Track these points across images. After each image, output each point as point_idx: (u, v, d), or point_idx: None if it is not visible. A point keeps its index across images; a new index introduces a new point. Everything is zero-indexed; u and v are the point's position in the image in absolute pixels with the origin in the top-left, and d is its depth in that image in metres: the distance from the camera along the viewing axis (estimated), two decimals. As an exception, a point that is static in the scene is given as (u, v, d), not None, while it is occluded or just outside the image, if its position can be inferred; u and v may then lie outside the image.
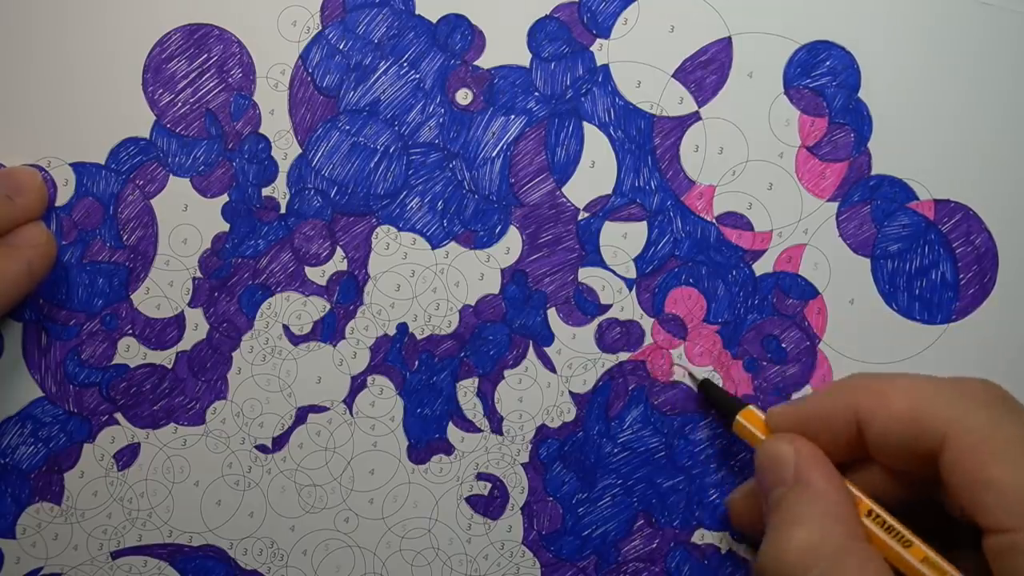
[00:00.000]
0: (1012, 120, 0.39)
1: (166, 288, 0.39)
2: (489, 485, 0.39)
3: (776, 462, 0.33)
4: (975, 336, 0.39)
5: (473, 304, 0.39)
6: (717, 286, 0.39)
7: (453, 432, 0.39)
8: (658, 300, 0.39)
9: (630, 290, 0.39)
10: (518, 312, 0.39)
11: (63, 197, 0.38)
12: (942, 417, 0.31)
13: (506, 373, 0.39)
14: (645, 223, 0.39)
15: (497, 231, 0.39)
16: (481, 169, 0.39)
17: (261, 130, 0.38)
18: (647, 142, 0.39)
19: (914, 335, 0.39)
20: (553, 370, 0.39)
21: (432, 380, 0.39)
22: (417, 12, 0.38)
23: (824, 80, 0.39)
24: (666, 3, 0.39)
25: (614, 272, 0.39)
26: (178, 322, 0.39)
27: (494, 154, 0.39)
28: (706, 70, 0.39)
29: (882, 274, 0.39)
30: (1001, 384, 0.32)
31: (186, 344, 0.39)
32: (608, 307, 0.39)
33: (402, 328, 0.39)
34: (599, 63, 0.39)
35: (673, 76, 0.39)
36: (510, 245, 0.39)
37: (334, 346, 0.39)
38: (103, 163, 0.38)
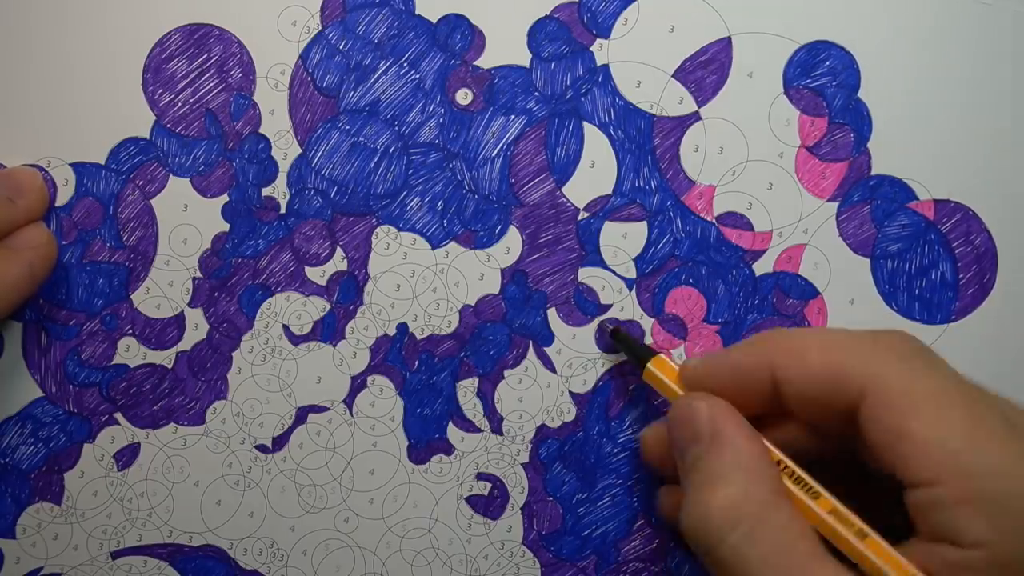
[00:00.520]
0: (1012, 120, 0.39)
1: (166, 288, 0.39)
2: (489, 485, 0.39)
3: (691, 419, 0.32)
4: (975, 336, 0.39)
5: (473, 304, 0.39)
6: (717, 286, 0.39)
7: (453, 432, 0.39)
8: (658, 300, 0.39)
9: (630, 290, 0.39)
10: (518, 312, 0.39)
11: (63, 197, 0.38)
12: (860, 372, 0.30)
13: (506, 373, 0.39)
14: (645, 223, 0.39)
15: (497, 231, 0.39)
16: (481, 169, 0.39)
17: (261, 130, 0.38)
18: (647, 142, 0.39)
19: (914, 335, 0.39)
20: (553, 370, 0.39)
21: (432, 380, 0.39)
22: (417, 12, 0.38)
23: (824, 80, 0.39)
24: (666, 3, 0.39)
25: (614, 272, 0.39)
26: (178, 322, 0.39)
27: (494, 154, 0.39)
28: (706, 70, 0.39)
29: (882, 274, 0.39)
30: (1001, 384, 0.32)
31: (186, 344, 0.39)
32: (608, 307, 0.39)
33: (402, 328, 0.39)
34: (599, 63, 0.39)
35: (673, 76, 0.39)
36: (510, 245, 0.39)
37: (334, 346, 0.39)
38: (103, 163, 0.38)
